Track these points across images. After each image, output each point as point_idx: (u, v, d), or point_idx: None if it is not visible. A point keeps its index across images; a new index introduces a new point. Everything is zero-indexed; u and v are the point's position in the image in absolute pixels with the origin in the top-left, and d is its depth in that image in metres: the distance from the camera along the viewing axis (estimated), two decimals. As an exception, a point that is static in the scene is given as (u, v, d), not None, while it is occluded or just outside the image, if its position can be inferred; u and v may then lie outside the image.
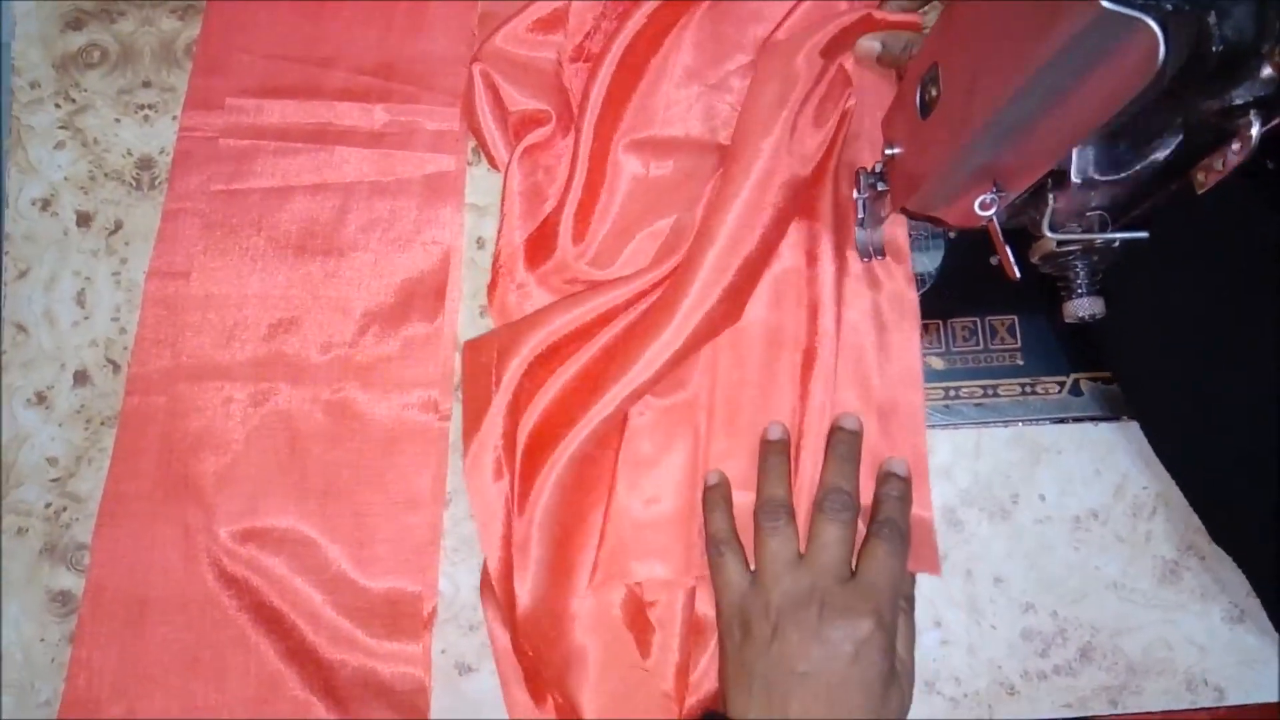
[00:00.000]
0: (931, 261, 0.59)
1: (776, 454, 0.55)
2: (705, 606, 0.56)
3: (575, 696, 0.54)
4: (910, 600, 0.53)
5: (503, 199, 0.61)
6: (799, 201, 0.57)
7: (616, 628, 0.56)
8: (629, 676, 0.55)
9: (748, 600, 0.51)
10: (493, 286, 0.60)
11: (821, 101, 0.58)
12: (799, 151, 0.56)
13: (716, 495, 0.55)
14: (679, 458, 0.57)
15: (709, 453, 0.57)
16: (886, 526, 0.52)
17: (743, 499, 0.55)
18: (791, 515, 0.53)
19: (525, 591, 0.55)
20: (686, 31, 0.63)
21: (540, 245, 0.61)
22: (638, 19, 0.60)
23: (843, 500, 0.52)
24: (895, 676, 0.49)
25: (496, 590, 0.55)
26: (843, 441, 0.55)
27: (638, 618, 0.56)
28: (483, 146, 0.63)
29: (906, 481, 0.55)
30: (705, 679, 0.55)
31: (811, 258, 0.58)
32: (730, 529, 0.54)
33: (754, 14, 0.63)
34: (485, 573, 0.56)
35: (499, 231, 0.61)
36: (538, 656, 0.55)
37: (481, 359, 0.58)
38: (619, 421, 0.57)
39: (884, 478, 0.55)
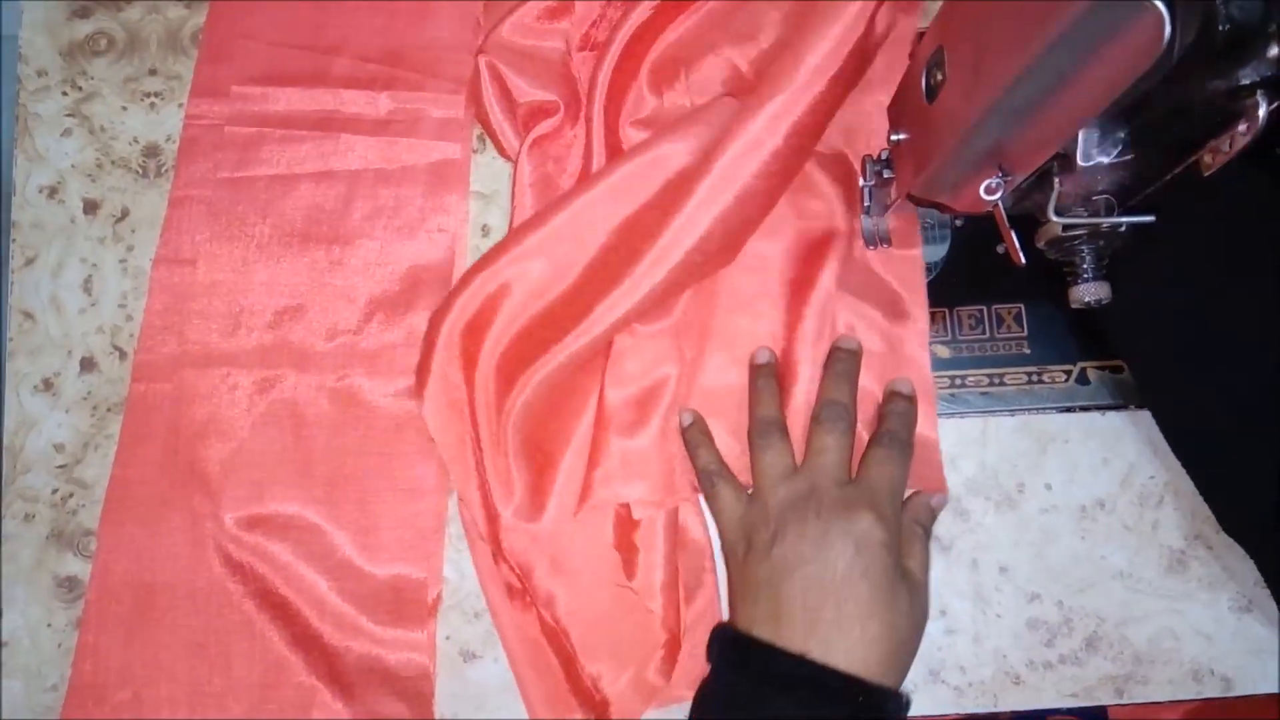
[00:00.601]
0: (938, 250, 0.59)
1: (765, 376, 0.55)
2: (690, 524, 0.57)
3: (560, 615, 0.56)
4: (927, 529, 0.53)
5: (513, 191, 0.61)
6: (802, 157, 0.56)
7: (604, 548, 0.56)
8: (615, 595, 0.56)
9: (747, 516, 0.52)
10: None
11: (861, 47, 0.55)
12: (822, 106, 0.54)
13: (695, 433, 0.56)
14: (662, 382, 0.58)
15: (694, 380, 0.57)
16: (888, 436, 0.53)
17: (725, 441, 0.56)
18: (784, 432, 0.53)
19: (509, 513, 0.56)
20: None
21: None
22: (644, 8, 0.60)
23: (838, 411, 0.52)
24: (903, 577, 0.49)
25: (472, 512, 0.56)
26: (841, 360, 0.55)
27: (624, 540, 0.56)
28: (492, 138, 0.63)
29: (911, 400, 0.55)
30: (697, 597, 0.56)
31: (816, 187, 0.59)
32: (718, 460, 0.55)
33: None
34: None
35: (511, 223, 0.61)
36: (524, 576, 0.56)
37: (434, 316, 0.58)
38: (602, 349, 0.57)
39: (889, 396, 0.55)
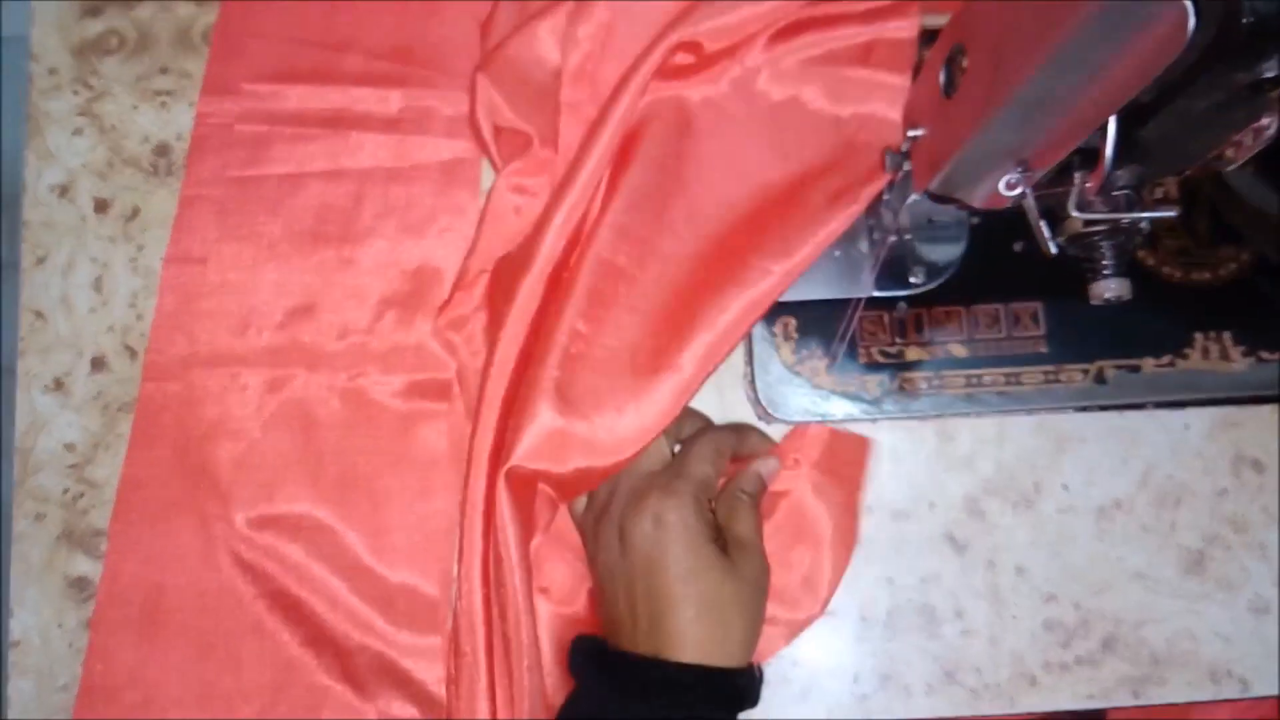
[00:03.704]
0: (954, 249, 0.59)
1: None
2: None
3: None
4: (754, 496, 0.52)
5: (481, 219, 0.60)
6: None
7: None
8: None
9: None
10: (446, 306, 0.59)
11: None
12: None
13: None
14: None
15: None
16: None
17: None
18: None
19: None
20: None
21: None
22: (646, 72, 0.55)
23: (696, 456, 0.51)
24: (735, 544, 0.49)
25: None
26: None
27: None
28: (485, 152, 0.61)
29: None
30: None
31: None
32: None
33: None
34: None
35: (471, 248, 0.59)
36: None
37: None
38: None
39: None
